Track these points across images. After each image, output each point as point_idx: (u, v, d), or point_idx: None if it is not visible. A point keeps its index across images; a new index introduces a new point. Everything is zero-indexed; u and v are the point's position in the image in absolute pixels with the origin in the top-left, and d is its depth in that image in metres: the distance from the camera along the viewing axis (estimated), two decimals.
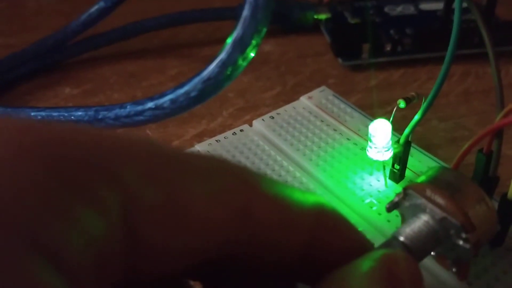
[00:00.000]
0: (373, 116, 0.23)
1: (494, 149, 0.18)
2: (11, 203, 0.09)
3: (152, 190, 0.11)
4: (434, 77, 0.32)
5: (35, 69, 0.33)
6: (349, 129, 0.25)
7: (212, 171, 0.12)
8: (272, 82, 0.32)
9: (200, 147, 0.24)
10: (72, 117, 0.25)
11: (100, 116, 0.24)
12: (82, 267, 0.09)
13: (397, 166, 0.22)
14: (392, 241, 0.14)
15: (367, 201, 0.21)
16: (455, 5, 0.18)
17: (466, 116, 0.29)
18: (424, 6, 0.36)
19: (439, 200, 0.15)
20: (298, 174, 0.23)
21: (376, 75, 0.32)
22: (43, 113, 0.26)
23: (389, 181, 0.22)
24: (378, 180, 0.22)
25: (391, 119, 0.21)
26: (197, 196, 0.11)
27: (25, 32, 0.38)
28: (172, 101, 0.23)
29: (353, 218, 0.20)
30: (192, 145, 0.25)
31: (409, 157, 0.22)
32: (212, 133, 0.27)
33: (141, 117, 0.23)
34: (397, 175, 0.22)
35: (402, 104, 0.21)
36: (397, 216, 0.19)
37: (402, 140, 0.21)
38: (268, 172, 0.23)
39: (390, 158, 0.22)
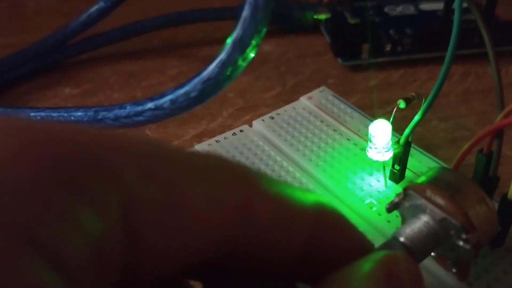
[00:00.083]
0: (373, 117, 0.23)
1: (494, 150, 0.18)
2: (10, 203, 0.09)
3: (152, 190, 0.10)
4: (434, 77, 0.32)
5: (35, 69, 0.33)
6: (349, 129, 0.25)
7: (211, 170, 0.12)
8: (272, 82, 0.32)
9: (200, 148, 0.24)
10: (72, 118, 0.25)
11: (99, 117, 0.24)
12: (82, 267, 0.09)
13: (397, 167, 0.22)
14: (392, 242, 0.14)
15: (367, 201, 0.21)
16: (455, 5, 0.18)
17: (466, 116, 0.29)
18: (424, 6, 0.36)
19: (439, 200, 0.15)
20: (298, 175, 0.23)
21: (376, 75, 0.32)
22: (42, 114, 0.26)
23: (389, 182, 0.22)
24: (378, 181, 0.22)
25: (391, 119, 0.21)
26: (197, 195, 0.11)
27: (25, 32, 0.38)
28: (172, 101, 0.23)
29: (353, 219, 0.20)
30: (192, 146, 0.25)
31: (409, 158, 0.22)
32: (212, 134, 0.27)
33: (140, 118, 0.23)
34: (397, 176, 0.22)
35: (402, 104, 0.21)
36: (397, 216, 0.19)
37: (402, 140, 0.21)
38: (268, 172, 0.23)
39: (390, 158, 0.22)
